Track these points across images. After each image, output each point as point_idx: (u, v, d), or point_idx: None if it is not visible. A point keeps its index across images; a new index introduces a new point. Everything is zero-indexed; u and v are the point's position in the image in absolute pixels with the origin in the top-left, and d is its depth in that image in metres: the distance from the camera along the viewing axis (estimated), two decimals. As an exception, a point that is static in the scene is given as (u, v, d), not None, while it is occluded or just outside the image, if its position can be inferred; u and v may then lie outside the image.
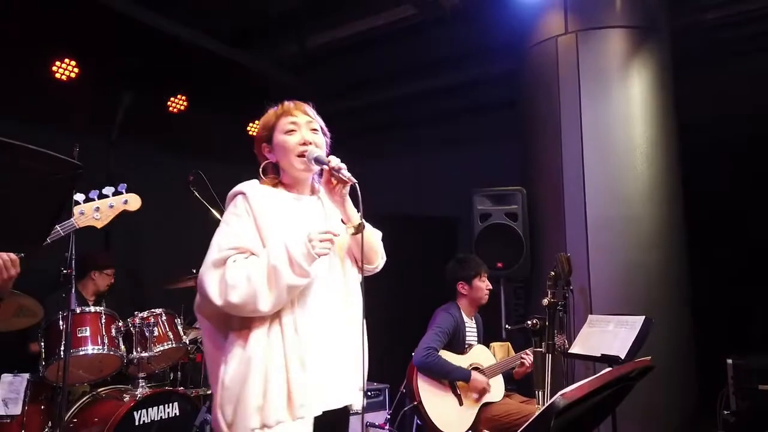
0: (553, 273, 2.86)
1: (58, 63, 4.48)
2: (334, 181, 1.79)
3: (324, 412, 1.66)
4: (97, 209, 2.45)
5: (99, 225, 2.49)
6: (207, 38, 4.95)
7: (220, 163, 4.42)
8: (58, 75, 4.49)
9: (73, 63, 4.51)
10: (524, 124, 4.73)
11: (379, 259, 1.91)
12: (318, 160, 1.81)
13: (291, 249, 1.64)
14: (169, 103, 5.26)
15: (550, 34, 4.40)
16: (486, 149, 6.08)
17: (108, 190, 2.50)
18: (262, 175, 1.91)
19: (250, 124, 5.47)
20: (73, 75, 4.53)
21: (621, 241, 4.10)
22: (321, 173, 1.87)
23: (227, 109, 5.39)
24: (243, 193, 1.78)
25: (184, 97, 5.28)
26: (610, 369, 1.92)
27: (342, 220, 1.83)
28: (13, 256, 1.98)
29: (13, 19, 4.09)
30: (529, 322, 2.70)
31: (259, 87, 5.38)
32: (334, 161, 1.79)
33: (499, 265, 4.45)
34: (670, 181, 4.25)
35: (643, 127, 4.21)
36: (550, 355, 2.59)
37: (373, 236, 1.88)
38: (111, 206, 2.51)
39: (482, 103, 6.15)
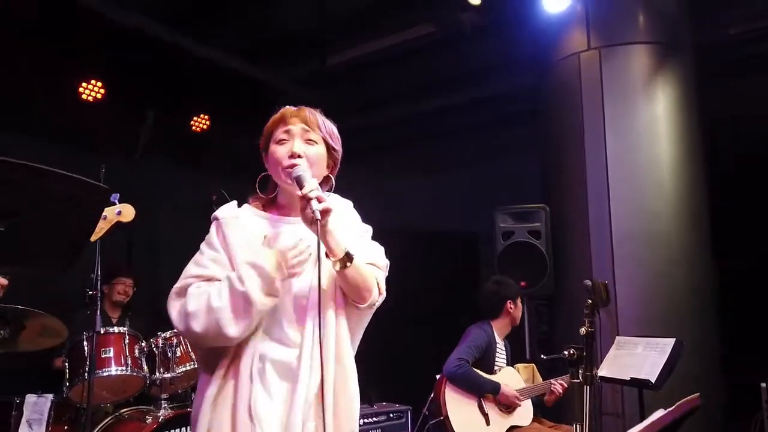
0: (590, 301, 2.75)
1: (84, 84, 4.56)
2: (308, 211, 1.47)
3: None
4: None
5: (93, 238, 2.40)
6: (228, 57, 5.02)
7: (243, 182, 4.42)
8: (84, 96, 4.57)
9: (99, 84, 4.59)
10: (547, 141, 4.70)
11: (371, 297, 1.58)
12: (297, 180, 1.52)
13: (259, 264, 1.47)
14: (192, 122, 5.31)
15: (572, 50, 4.37)
16: (506, 165, 6.05)
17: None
18: (258, 191, 1.70)
19: (272, 142, 5.50)
20: (99, 96, 4.61)
21: (647, 258, 4.02)
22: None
23: (250, 127, 5.44)
24: (216, 219, 1.64)
25: (206, 117, 5.34)
26: (662, 414, 1.84)
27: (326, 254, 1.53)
28: (3, 281, 1.97)
29: (42, 42, 4.18)
30: (566, 352, 2.61)
31: (280, 104, 5.42)
32: (308, 186, 1.49)
33: (522, 284, 4.38)
34: (697, 196, 4.18)
35: (669, 144, 4.15)
36: (588, 387, 2.52)
37: (362, 272, 1.56)
38: (104, 217, 2.47)
39: (503, 118, 6.13)
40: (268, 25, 4.90)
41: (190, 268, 1.58)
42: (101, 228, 2.46)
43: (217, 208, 1.85)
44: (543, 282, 4.34)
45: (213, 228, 1.63)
